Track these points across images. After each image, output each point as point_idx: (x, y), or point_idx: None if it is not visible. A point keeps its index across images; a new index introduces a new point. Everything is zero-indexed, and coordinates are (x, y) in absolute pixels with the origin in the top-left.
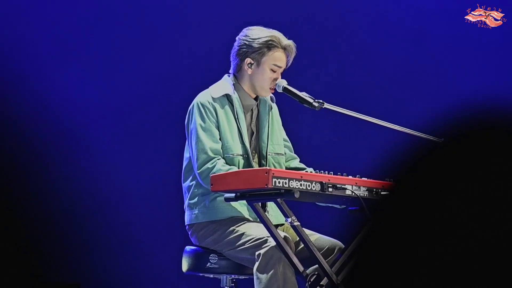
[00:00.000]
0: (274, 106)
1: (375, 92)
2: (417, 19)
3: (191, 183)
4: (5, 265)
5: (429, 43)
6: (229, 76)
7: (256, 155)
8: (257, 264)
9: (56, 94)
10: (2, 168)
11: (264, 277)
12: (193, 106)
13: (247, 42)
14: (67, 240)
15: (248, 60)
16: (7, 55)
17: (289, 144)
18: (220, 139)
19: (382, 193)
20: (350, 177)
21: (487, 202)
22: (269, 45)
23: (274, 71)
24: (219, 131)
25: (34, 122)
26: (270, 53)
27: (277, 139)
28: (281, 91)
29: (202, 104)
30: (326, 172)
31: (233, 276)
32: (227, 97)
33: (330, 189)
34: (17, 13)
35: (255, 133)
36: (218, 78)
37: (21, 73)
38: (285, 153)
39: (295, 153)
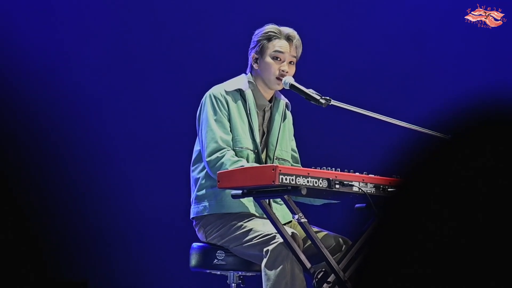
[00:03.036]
0: (289, 115)
1: (381, 89)
2: (417, 19)
3: (198, 175)
4: (13, 263)
5: (429, 43)
6: (246, 74)
7: (265, 156)
8: (265, 260)
9: (66, 87)
10: (10, 165)
11: (272, 273)
12: (205, 97)
13: (252, 39)
14: (74, 237)
15: (254, 55)
16: (22, 53)
17: (297, 156)
18: (230, 131)
19: (389, 190)
20: (357, 174)
21: (495, 198)
22: (268, 37)
23: (278, 59)
24: (230, 123)
25: (42, 119)
26: (270, 44)
27: (286, 146)
28: (288, 88)
29: (214, 96)
30: (333, 168)
31: (240, 272)
32: (241, 93)
33: (337, 186)
34: (31, 12)
35: (266, 134)
36: (231, 74)
37: (30, 71)
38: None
39: (303, 149)
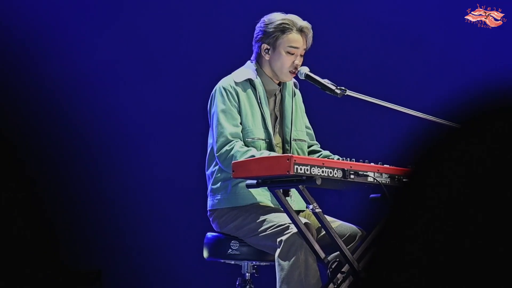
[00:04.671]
0: (298, 92)
1: (393, 81)
2: (418, 19)
3: (213, 169)
4: (30, 253)
5: (429, 43)
6: (252, 62)
7: (280, 140)
8: (278, 250)
9: (80, 84)
10: (26, 158)
11: (286, 264)
12: (215, 90)
13: (262, 28)
14: (89, 228)
15: (264, 46)
16: (28, 51)
17: (311, 132)
18: (241, 123)
19: (404, 180)
20: (372, 164)
21: (505, 187)
22: (282, 29)
23: (291, 54)
24: (240, 115)
25: (62, 115)
26: (284, 36)
27: (300, 126)
28: (303, 78)
29: (224, 88)
30: (348, 159)
31: (254, 262)
32: (250, 82)
33: (352, 176)
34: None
35: (279, 117)
36: (241, 64)
37: (38, 68)
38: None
39: (318, 140)
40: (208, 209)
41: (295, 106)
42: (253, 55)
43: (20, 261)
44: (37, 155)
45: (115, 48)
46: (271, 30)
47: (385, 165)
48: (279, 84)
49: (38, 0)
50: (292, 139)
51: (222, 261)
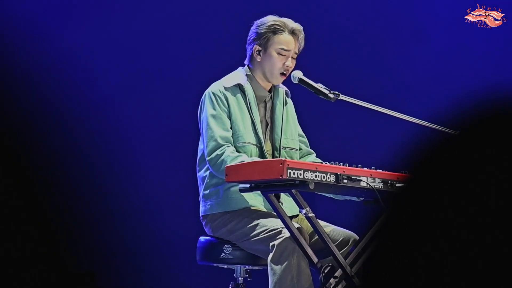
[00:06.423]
0: (290, 101)
1: (386, 86)
2: (418, 19)
3: (205, 174)
4: (22, 255)
5: (429, 43)
6: (243, 67)
7: (270, 147)
8: (271, 255)
9: (71, 89)
10: (21, 161)
11: (278, 268)
12: (204, 96)
13: (254, 30)
14: (80, 229)
15: (256, 47)
16: (27, 54)
17: (305, 140)
18: (231, 127)
19: (397, 185)
20: (365, 169)
21: (503, 193)
22: (274, 30)
23: (282, 55)
24: (230, 120)
25: (53, 120)
26: (275, 37)
27: (291, 134)
28: (297, 82)
29: (213, 93)
30: (341, 163)
31: (247, 266)
32: (240, 87)
33: (345, 181)
34: (35, 13)
35: (269, 124)
36: (233, 69)
37: (34, 71)
38: (300, 149)
39: (311, 144)
40: (200, 215)
41: (286, 114)
42: (247, 58)
43: (13, 263)
44: (31, 157)
45: (107, 51)
46: (262, 31)
47: (378, 170)
48: (269, 91)
49: (37, 1)
50: (281, 147)
51: (215, 265)
